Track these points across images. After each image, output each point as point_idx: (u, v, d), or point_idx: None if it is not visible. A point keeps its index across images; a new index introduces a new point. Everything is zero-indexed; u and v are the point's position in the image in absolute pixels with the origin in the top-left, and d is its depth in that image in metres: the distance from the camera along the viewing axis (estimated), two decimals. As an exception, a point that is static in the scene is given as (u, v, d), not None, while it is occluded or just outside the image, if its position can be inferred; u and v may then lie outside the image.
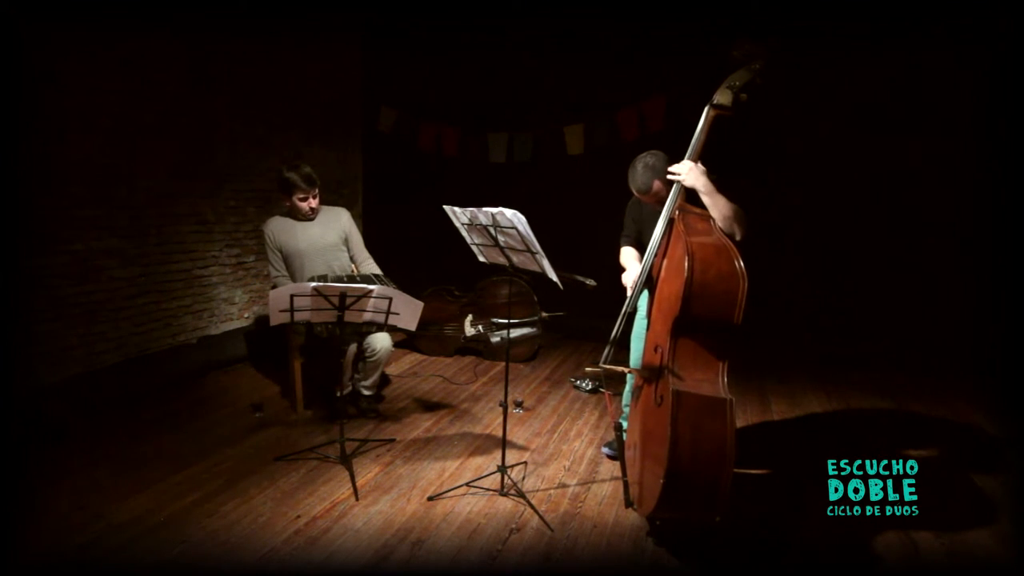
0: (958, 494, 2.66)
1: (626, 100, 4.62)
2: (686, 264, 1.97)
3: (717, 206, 2.18)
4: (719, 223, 2.18)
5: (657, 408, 2.06)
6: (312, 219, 3.23)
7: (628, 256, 2.67)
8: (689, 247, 2.00)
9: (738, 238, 2.17)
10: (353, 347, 3.18)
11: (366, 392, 3.33)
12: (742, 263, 1.98)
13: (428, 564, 2.12)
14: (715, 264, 1.99)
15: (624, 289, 2.51)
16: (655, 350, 2.18)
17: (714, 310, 1.99)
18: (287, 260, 3.21)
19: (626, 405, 2.80)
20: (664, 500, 1.93)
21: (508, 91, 5.13)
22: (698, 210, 2.21)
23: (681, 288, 1.98)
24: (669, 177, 2.25)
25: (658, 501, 1.94)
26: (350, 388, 3.30)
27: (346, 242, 3.33)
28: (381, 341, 3.19)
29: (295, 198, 3.14)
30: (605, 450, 2.98)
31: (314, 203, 3.19)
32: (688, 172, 2.20)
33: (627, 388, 2.81)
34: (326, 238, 3.24)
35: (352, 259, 3.38)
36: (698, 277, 1.97)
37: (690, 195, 2.25)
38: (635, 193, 2.52)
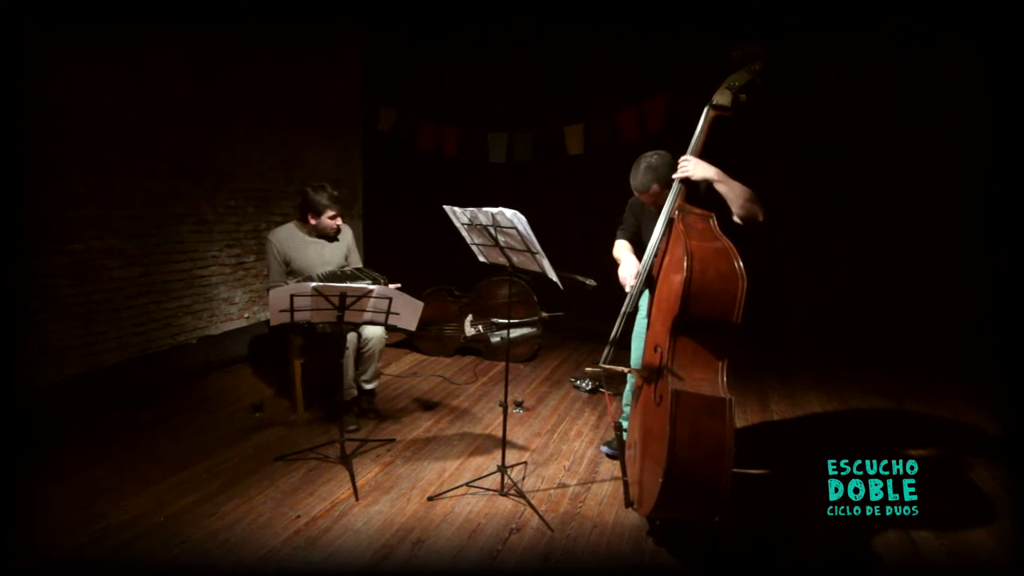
0: (958, 494, 2.66)
1: (626, 100, 4.62)
2: (685, 264, 1.97)
3: (734, 191, 2.19)
4: (739, 210, 2.19)
5: (656, 408, 2.06)
6: (336, 238, 3.33)
7: (621, 249, 2.67)
8: (688, 247, 2.00)
9: (761, 219, 2.20)
10: (353, 340, 3.17)
11: (368, 387, 3.35)
12: (741, 263, 1.98)
13: (428, 564, 2.12)
14: (714, 264, 1.99)
15: (620, 285, 2.49)
16: (655, 350, 2.18)
17: (713, 310, 1.99)
18: (291, 275, 3.23)
19: (626, 405, 2.80)
20: (663, 500, 1.94)
21: (508, 91, 5.13)
22: (698, 210, 2.21)
23: (680, 287, 1.98)
24: (676, 174, 2.25)
25: (657, 501, 1.94)
26: (354, 391, 3.27)
27: (347, 258, 3.42)
28: (372, 330, 3.24)
29: (324, 217, 3.22)
30: (604, 448, 2.98)
31: (340, 221, 3.30)
32: (696, 165, 2.21)
33: (628, 388, 2.81)
34: (334, 256, 3.33)
35: None
36: (697, 277, 1.97)
37: (690, 195, 2.26)
38: (634, 191, 2.52)
